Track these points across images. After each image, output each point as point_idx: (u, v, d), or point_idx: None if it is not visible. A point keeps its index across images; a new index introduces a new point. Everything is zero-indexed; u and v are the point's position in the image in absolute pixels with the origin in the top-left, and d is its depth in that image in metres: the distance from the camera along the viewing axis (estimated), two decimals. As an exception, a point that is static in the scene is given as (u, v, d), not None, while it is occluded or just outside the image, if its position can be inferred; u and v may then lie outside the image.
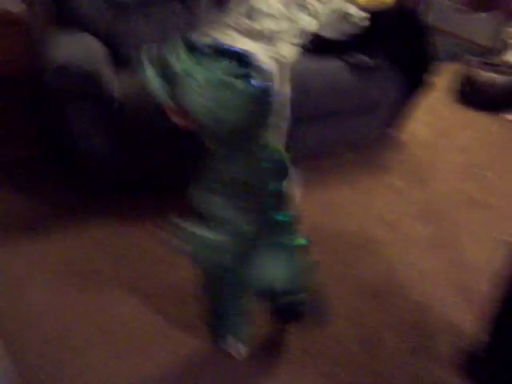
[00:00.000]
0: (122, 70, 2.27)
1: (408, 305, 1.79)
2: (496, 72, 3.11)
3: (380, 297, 1.82)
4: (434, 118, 3.08)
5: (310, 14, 2.63)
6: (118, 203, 2.24)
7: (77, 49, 2.13)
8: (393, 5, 2.70)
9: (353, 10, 2.53)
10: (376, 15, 2.54)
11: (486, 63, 3.22)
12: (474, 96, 3.19)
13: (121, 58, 2.36)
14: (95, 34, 2.35)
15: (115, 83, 2.11)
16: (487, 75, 3.11)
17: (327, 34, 2.54)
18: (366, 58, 2.40)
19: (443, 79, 3.43)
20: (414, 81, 2.58)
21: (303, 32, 2.57)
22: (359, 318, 1.73)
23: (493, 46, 3.78)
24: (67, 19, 2.43)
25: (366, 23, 2.50)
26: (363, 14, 2.50)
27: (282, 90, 2.18)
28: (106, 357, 1.56)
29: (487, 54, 3.55)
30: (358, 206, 2.30)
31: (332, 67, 2.40)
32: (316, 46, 2.55)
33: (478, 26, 4.00)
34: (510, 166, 2.60)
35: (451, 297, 1.83)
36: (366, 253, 2.04)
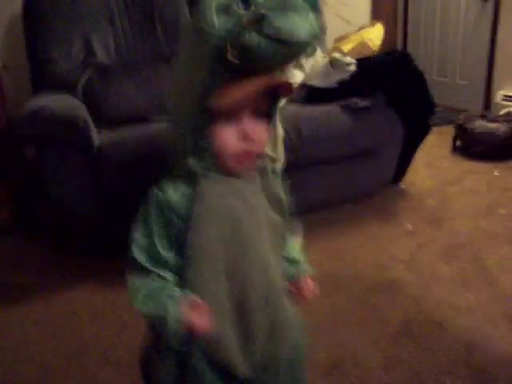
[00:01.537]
0: (108, 130, 2.18)
1: (447, 342, 1.53)
2: (492, 122, 3.08)
3: (413, 337, 1.57)
4: (435, 169, 2.98)
5: (294, 66, 2.64)
6: (96, 265, 2.06)
7: (52, 99, 2.05)
8: (378, 50, 2.72)
9: (338, 55, 2.54)
10: (364, 61, 2.55)
11: (482, 116, 3.20)
12: (470, 147, 3.13)
13: (102, 120, 2.27)
14: (74, 96, 2.29)
15: (94, 133, 2.00)
16: (483, 126, 3.07)
17: (319, 83, 2.53)
18: (359, 100, 2.33)
19: (438, 136, 3.40)
20: (415, 125, 2.51)
21: None
22: (396, 363, 1.46)
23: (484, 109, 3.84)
24: (45, 82, 2.39)
25: (354, 68, 2.50)
26: (349, 59, 2.51)
27: (276, 131, 2.10)
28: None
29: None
30: (369, 251, 2.09)
31: (327, 112, 2.33)
32: (311, 96, 2.53)
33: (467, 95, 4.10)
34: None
35: (496, 329, 1.58)
36: (388, 293, 1.80)
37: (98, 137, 2.03)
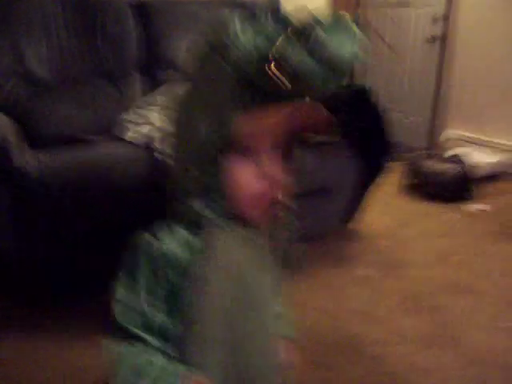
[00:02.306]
0: (41, 152, 1.88)
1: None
2: (439, 163, 3.06)
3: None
4: (386, 208, 2.88)
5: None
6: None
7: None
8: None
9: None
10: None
11: (428, 155, 3.18)
12: (424, 188, 3.08)
13: (39, 140, 1.99)
14: (8, 114, 1.99)
15: (21, 156, 1.71)
16: (434, 166, 3.04)
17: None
18: (314, 135, 2.18)
19: (390, 175, 3.33)
20: (372, 164, 2.40)
21: None
22: None
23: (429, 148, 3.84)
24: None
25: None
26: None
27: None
28: None
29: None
30: (321, 301, 1.90)
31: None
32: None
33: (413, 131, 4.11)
34: (480, 250, 2.36)
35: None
36: (349, 351, 1.62)
37: (31, 162, 1.73)
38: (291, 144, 0.69)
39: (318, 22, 0.56)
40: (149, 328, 0.64)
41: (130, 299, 0.64)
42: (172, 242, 0.64)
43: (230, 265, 0.66)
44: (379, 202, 2.88)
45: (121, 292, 0.65)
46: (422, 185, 3.08)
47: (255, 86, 0.59)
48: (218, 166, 0.62)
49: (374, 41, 4.34)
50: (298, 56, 0.55)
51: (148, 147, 1.95)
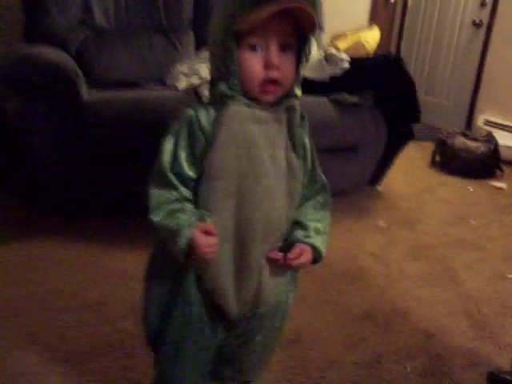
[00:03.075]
0: (101, 91, 2.16)
1: (409, 329, 1.57)
2: (472, 141, 3.15)
3: (376, 321, 1.60)
4: (412, 178, 3.04)
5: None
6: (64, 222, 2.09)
7: (45, 49, 2.04)
8: (373, 53, 2.77)
9: (333, 51, 2.57)
10: (358, 60, 2.59)
11: (463, 133, 3.28)
12: (449, 162, 3.20)
13: (92, 81, 2.26)
14: (77, 60, 2.27)
15: (84, 88, 1.98)
16: (463, 143, 3.14)
17: (312, 76, 2.56)
18: (349, 96, 2.37)
19: (419, 150, 3.48)
20: (398, 130, 2.56)
21: None
22: (358, 342, 1.49)
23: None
24: (38, 33, 2.36)
25: (347, 65, 2.54)
26: (344, 56, 2.55)
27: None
28: None
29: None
30: (341, 242, 2.11)
31: (316, 103, 2.35)
32: (303, 87, 2.55)
33: (451, 116, 4.21)
34: (492, 218, 2.51)
35: (456, 323, 1.62)
36: (357, 281, 1.83)
37: (86, 93, 2.01)
38: (290, 40, 0.83)
39: None
40: (179, 176, 0.84)
41: (171, 154, 0.84)
42: (204, 114, 0.84)
43: (242, 132, 0.84)
44: (408, 173, 3.07)
45: (165, 148, 0.84)
46: (452, 160, 3.18)
47: None
48: (234, 56, 0.81)
49: (420, 30, 4.46)
50: None
51: (196, 93, 2.19)
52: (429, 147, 3.45)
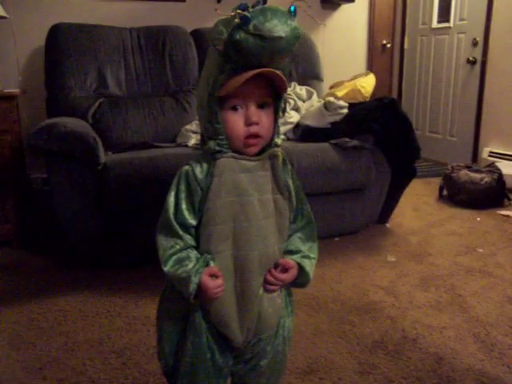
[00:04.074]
0: (109, 152, 2.37)
1: (419, 355, 1.64)
2: (476, 173, 3.25)
3: (387, 349, 1.67)
4: (422, 213, 3.13)
5: (292, 109, 2.85)
6: (91, 275, 2.23)
7: (65, 120, 2.24)
8: (369, 98, 2.93)
9: (332, 99, 2.74)
10: (355, 105, 2.76)
11: (468, 166, 3.38)
12: (455, 195, 3.29)
13: (108, 145, 2.46)
14: (93, 126, 2.49)
15: (102, 151, 2.17)
16: (468, 175, 3.23)
17: (313, 124, 2.73)
18: (349, 140, 2.52)
19: (427, 186, 3.58)
20: (401, 168, 2.68)
21: (286, 122, 2.75)
22: (370, 369, 1.56)
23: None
24: (59, 107, 2.59)
25: (346, 111, 2.70)
26: (342, 103, 2.72)
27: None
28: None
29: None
30: (352, 277, 2.21)
31: (319, 149, 2.50)
32: (305, 135, 2.72)
33: (456, 151, 4.33)
34: (500, 245, 2.57)
35: (465, 346, 1.68)
36: (368, 314, 1.91)
37: (104, 156, 2.19)
38: (267, 99, 0.95)
39: (261, 10, 0.85)
40: (183, 226, 0.97)
41: (174, 207, 0.97)
42: (199, 169, 0.96)
43: (232, 182, 0.96)
44: (417, 209, 3.17)
45: (168, 203, 0.97)
46: (458, 193, 3.28)
47: (230, 60, 0.89)
48: (219, 117, 0.94)
49: (418, 71, 4.66)
50: (240, 36, 0.85)
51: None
52: (437, 183, 3.56)
